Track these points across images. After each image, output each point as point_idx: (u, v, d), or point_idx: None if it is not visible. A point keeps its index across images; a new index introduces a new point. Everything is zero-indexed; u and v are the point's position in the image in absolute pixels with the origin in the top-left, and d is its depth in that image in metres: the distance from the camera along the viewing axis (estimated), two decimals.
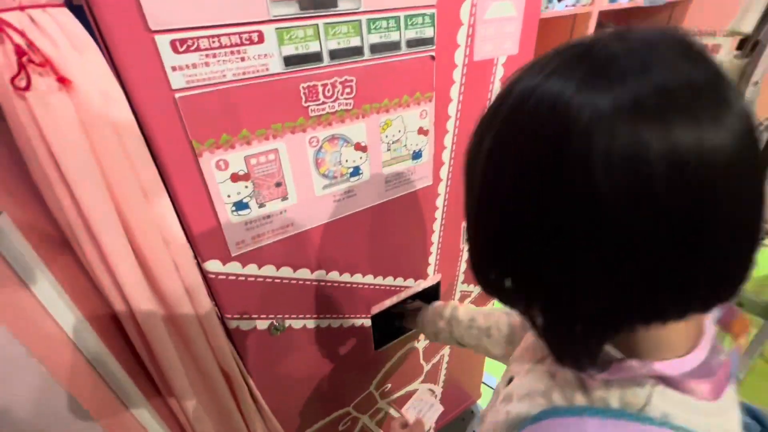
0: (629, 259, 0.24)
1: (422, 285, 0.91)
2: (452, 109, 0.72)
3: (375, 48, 0.57)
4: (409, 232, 0.81)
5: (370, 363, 0.96)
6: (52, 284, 0.50)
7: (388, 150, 0.67)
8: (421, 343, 1.05)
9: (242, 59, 0.48)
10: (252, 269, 0.63)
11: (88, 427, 0.59)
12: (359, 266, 0.77)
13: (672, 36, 0.24)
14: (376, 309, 0.86)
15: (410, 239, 0.82)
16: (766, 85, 0.95)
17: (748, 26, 0.75)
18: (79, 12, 0.40)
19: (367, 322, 0.86)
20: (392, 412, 1.11)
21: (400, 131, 0.67)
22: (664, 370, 0.29)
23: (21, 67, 0.36)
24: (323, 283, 0.73)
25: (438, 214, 0.83)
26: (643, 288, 0.25)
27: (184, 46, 0.44)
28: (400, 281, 0.86)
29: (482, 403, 1.44)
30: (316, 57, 0.53)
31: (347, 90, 0.58)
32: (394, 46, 0.58)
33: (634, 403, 0.30)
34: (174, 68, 0.45)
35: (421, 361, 1.09)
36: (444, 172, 0.78)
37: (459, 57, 0.67)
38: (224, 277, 0.60)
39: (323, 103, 0.57)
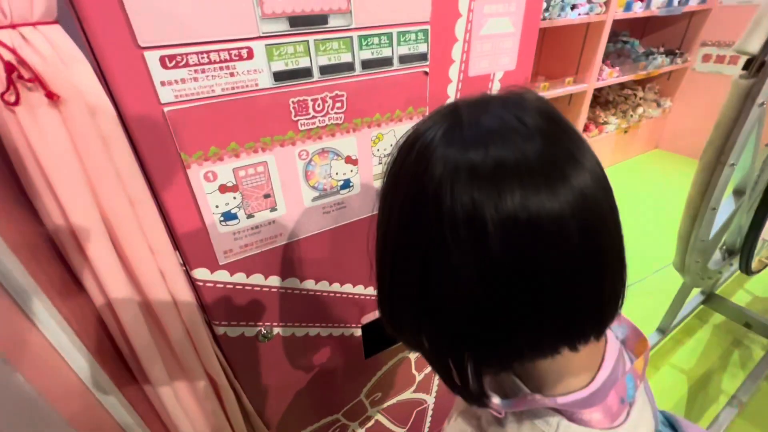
0: (480, 304, 0.26)
1: None
2: None
3: (366, 64, 0.57)
4: None
5: (361, 371, 0.96)
6: (48, 309, 0.48)
7: (380, 163, 0.67)
8: (414, 353, 1.05)
9: (231, 74, 0.49)
10: (240, 278, 0.63)
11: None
12: (350, 277, 0.77)
13: (525, 107, 0.27)
14: (366, 319, 0.86)
15: None
16: None
17: (754, 46, 0.73)
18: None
19: (357, 332, 0.86)
20: (382, 420, 1.11)
21: (392, 145, 0.67)
22: (557, 402, 0.30)
23: (10, 83, 0.37)
24: (312, 293, 0.73)
25: None
26: (498, 329, 0.27)
27: (173, 62, 0.45)
28: None
29: None
30: (306, 72, 0.53)
31: (338, 104, 0.58)
32: (386, 62, 0.59)
33: None
34: (163, 83, 0.46)
35: (413, 371, 1.08)
36: None
37: (454, 72, 0.67)
38: (212, 284, 0.61)
39: (313, 117, 0.57)
